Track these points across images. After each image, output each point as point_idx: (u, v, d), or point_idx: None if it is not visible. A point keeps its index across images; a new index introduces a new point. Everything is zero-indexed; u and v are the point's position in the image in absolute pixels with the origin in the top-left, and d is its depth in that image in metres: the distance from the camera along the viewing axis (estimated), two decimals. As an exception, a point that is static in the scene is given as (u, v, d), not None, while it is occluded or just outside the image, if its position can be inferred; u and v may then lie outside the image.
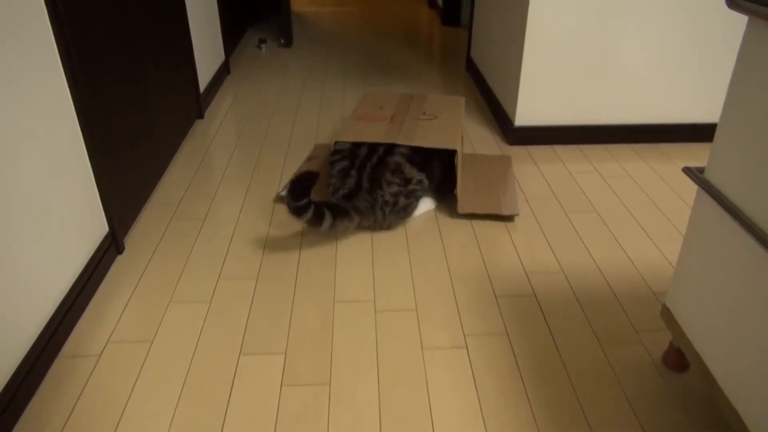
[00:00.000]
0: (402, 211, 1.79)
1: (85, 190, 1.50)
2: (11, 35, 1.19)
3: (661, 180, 2.09)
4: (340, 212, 1.66)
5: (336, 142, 1.87)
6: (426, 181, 1.82)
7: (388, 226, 1.79)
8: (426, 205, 1.88)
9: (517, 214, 1.85)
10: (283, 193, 1.90)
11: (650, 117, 2.34)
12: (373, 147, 1.82)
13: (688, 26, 2.17)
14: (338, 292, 1.52)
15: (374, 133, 1.86)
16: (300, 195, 1.59)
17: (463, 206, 1.84)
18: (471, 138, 2.41)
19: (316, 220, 1.61)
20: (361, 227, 1.76)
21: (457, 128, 1.91)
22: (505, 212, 1.83)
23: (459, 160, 1.79)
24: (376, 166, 1.77)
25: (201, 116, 2.58)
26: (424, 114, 2.01)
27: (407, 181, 1.77)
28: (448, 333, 1.39)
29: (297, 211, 1.59)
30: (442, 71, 3.26)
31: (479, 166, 2.13)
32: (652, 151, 2.31)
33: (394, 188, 1.74)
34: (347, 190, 1.74)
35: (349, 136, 1.87)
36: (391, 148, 1.81)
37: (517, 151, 2.30)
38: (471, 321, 1.43)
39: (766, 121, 0.91)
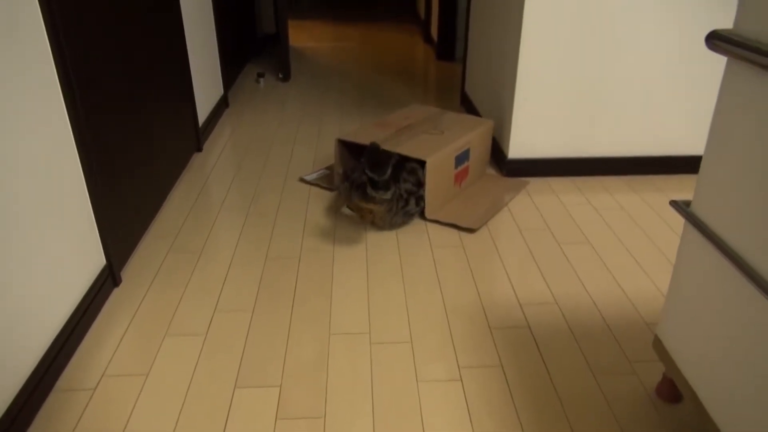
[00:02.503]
0: (409, 216, 1.98)
1: (83, 223, 1.52)
2: (13, 65, 1.22)
3: (653, 212, 2.12)
4: (381, 186, 1.84)
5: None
6: None
7: (390, 226, 1.97)
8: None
9: (475, 229, 1.96)
10: (307, 178, 2.32)
11: (642, 149, 2.38)
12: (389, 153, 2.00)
13: (680, 60, 2.23)
14: (334, 324, 1.53)
15: (371, 138, 2.06)
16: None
17: (429, 212, 2.02)
18: (465, 170, 2.45)
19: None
20: (380, 211, 1.92)
21: (450, 144, 2.04)
22: (463, 224, 1.97)
23: (428, 170, 1.93)
24: (395, 165, 1.91)
25: (199, 149, 2.62)
26: (434, 128, 2.18)
27: (419, 184, 1.95)
28: (442, 365, 1.39)
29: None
30: (437, 104, 3.31)
31: (488, 185, 2.28)
32: (644, 183, 2.35)
33: (409, 186, 1.93)
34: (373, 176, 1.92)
35: (349, 137, 2.13)
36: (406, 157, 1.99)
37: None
38: (465, 353, 1.43)
39: (747, 156, 0.94)
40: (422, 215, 2.03)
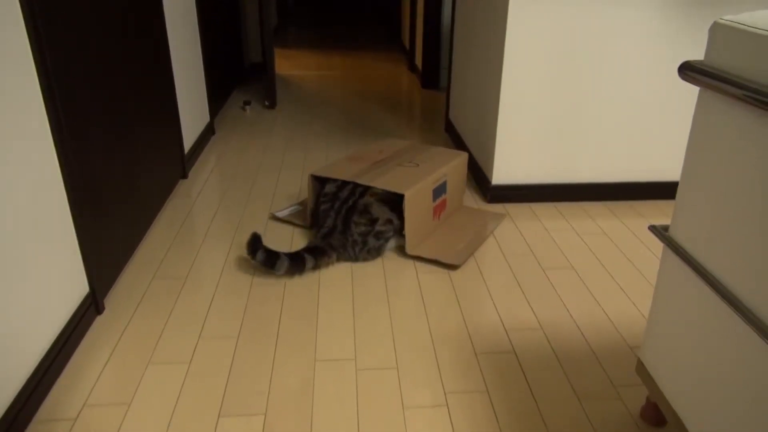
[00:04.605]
0: (374, 251, 1.96)
1: (67, 250, 1.51)
2: (0, 96, 1.23)
3: (635, 236, 2.15)
4: (319, 252, 1.89)
5: (325, 186, 2.06)
6: (397, 222, 1.98)
7: (363, 260, 1.96)
8: (390, 243, 2.04)
9: (458, 265, 1.93)
10: (279, 214, 2.25)
11: (623, 175, 2.43)
12: (353, 190, 1.99)
13: (659, 88, 2.29)
14: (319, 351, 1.52)
15: (345, 173, 2.06)
16: (261, 251, 1.83)
17: (410, 248, 1.98)
18: (450, 196, 2.47)
19: (297, 267, 1.85)
20: (340, 260, 1.96)
21: (427, 177, 2.03)
22: (446, 260, 1.94)
23: (407, 205, 1.91)
24: (349, 209, 1.95)
25: (185, 176, 2.62)
26: (410, 162, 2.16)
27: (374, 221, 1.93)
28: (429, 391, 1.39)
29: (275, 270, 1.84)
30: (422, 132, 3.36)
31: (465, 217, 2.27)
32: (626, 208, 2.39)
33: (362, 228, 1.92)
34: (326, 230, 1.97)
35: (322, 172, 2.09)
36: (366, 190, 1.98)
37: (495, 209, 2.36)
38: (451, 379, 1.43)
39: (720, 183, 0.97)
40: (404, 252, 2.00)
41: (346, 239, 1.91)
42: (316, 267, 1.89)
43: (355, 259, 1.94)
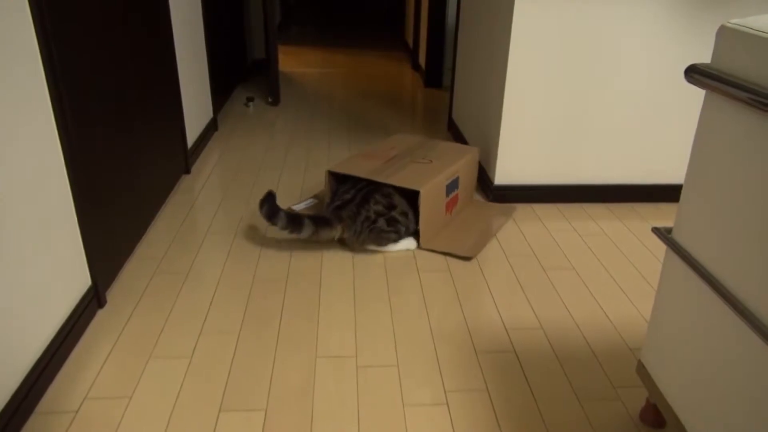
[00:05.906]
0: (379, 234, 1.96)
1: (70, 243, 1.51)
2: (4, 86, 1.23)
3: (636, 238, 2.15)
4: (321, 222, 1.94)
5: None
6: (413, 220, 2.01)
7: (362, 242, 1.98)
8: (407, 242, 2.04)
9: (471, 257, 1.96)
10: (296, 207, 2.29)
11: (624, 178, 2.43)
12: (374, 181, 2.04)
13: (661, 90, 2.29)
14: (320, 347, 1.53)
15: (362, 169, 2.07)
16: (272, 211, 1.92)
17: (425, 242, 2.02)
18: (452, 196, 2.47)
19: (294, 226, 1.91)
20: (341, 238, 1.99)
21: (441, 173, 2.05)
22: (459, 253, 1.98)
23: (422, 200, 1.94)
24: (371, 190, 1.98)
25: (188, 171, 2.62)
26: (423, 158, 2.19)
27: (392, 206, 1.96)
28: (429, 389, 1.39)
29: (271, 221, 1.92)
30: (424, 131, 3.36)
31: (476, 211, 2.31)
32: (627, 210, 2.39)
33: (380, 207, 1.95)
34: (340, 202, 1.99)
35: (339, 168, 2.11)
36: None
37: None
38: (452, 377, 1.44)
39: (725, 186, 0.97)
40: (418, 245, 2.03)
41: (359, 212, 1.93)
42: (314, 235, 1.92)
43: (357, 235, 1.94)
